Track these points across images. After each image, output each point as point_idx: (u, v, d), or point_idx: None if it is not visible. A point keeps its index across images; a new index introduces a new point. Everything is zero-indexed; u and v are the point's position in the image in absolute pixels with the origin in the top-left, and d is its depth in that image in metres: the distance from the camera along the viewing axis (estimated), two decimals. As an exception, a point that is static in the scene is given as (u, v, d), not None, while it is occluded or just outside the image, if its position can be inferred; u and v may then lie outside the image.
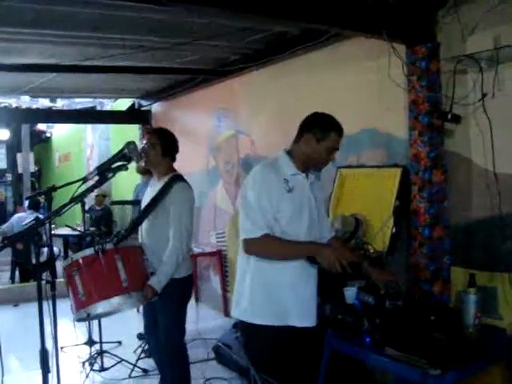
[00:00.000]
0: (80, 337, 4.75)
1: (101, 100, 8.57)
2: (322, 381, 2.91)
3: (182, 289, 3.27)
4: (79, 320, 3.04)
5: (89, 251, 2.95)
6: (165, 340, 3.22)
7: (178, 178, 3.30)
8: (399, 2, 3.19)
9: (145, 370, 4.31)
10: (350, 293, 2.92)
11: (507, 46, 2.82)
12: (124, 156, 2.30)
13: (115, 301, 2.94)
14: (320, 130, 2.56)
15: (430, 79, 3.23)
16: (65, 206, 2.25)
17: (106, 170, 2.18)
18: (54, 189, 2.53)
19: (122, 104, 7.99)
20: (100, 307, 2.93)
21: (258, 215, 2.47)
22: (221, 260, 5.68)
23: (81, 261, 2.94)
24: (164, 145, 3.30)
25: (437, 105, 3.24)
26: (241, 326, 2.65)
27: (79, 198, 2.28)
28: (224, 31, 4.07)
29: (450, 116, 3.01)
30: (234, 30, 4.05)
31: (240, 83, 5.20)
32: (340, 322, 2.85)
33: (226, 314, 5.59)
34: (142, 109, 7.40)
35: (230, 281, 5.68)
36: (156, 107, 7.19)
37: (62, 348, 4.52)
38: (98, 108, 8.87)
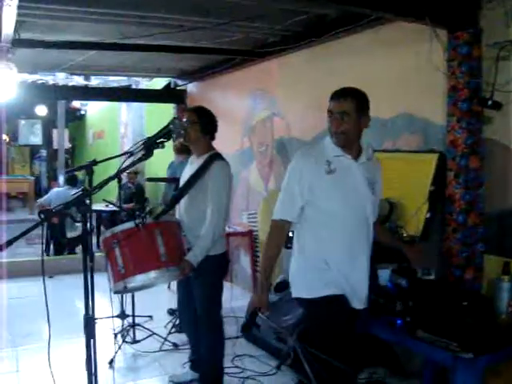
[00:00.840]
0: (113, 310, 4.90)
1: (136, 79, 8.67)
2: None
3: (218, 265, 3.35)
4: (116, 292, 3.14)
5: (129, 224, 3.02)
6: (202, 314, 3.31)
7: (217, 156, 3.36)
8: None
9: (175, 344, 4.43)
10: (384, 274, 2.97)
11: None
12: (169, 132, 2.35)
13: (153, 275, 3.03)
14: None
15: (471, 65, 3.21)
16: (110, 179, 2.31)
17: (151, 145, 2.24)
18: (96, 163, 2.57)
19: (157, 83, 8.08)
20: (138, 280, 3.02)
21: (285, 199, 2.60)
22: (252, 240, 5.75)
23: (121, 234, 3.02)
24: (204, 123, 3.36)
25: (477, 91, 3.22)
26: (301, 305, 2.77)
27: (124, 170, 2.35)
28: (263, 12, 4.09)
29: (490, 102, 2.99)
30: (274, 11, 4.07)
31: (278, 65, 5.21)
32: (373, 303, 2.91)
33: (256, 292, 5.66)
34: (178, 88, 7.47)
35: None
36: (191, 87, 7.25)
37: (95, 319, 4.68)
38: (134, 87, 8.98)
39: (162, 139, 2.40)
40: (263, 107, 5.55)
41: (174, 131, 2.52)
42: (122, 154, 2.43)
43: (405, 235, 3.37)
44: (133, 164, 2.34)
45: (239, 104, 6.03)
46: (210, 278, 3.31)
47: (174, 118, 2.53)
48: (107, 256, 3.07)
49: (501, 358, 2.60)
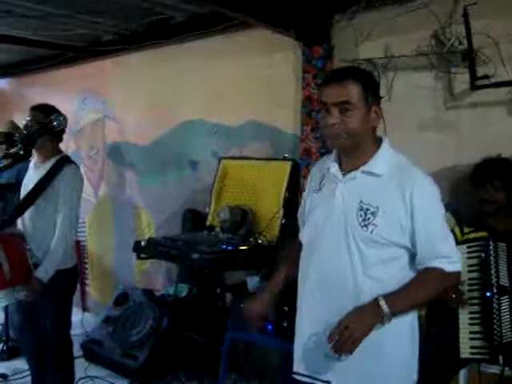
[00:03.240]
0: None
1: None
2: (223, 368, 2.93)
3: (70, 280, 3.02)
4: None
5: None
6: (54, 337, 2.94)
7: (67, 159, 3.04)
8: (301, 1, 3.32)
9: (3, 375, 3.88)
10: (253, 282, 2.97)
11: (399, 56, 3.10)
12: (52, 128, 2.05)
13: (-1, 295, 2.64)
14: None
15: (324, 78, 3.41)
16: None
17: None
18: None
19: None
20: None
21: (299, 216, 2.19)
22: (80, 251, 5.32)
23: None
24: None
25: (328, 103, 3.43)
26: None
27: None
28: (105, 9, 3.82)
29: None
30: (115, 8, 3.82)
31: (112, 64, 4.90)
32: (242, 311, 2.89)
33: (85, 308, 5.26)
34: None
35: (90, 274, 5.36)
36: (3, 83, 6.45)
37: None
38: None
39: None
40: (94, 108, 5.18)
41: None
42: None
43: (263, 241, 3.42)
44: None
45: (64, 104, 5.49)
46: (61, 295, 2.96)
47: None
48: None
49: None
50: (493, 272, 2.41)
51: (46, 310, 2.95)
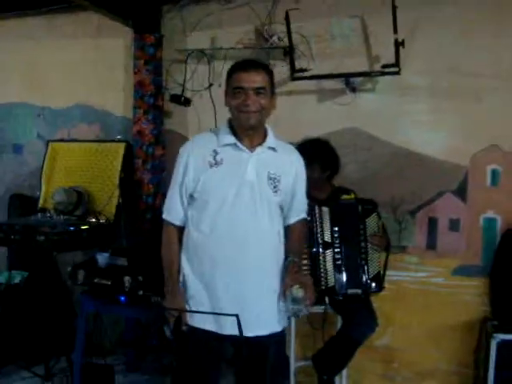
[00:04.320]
0: None
1: None
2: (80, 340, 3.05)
3: None
4: None
5: None
6: None
7: None
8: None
9: None
10: (102, 258, 3.11)
11: (227, 49, 3.50)
12: None
13: None
14: (226, 80, 2.20)
15: (156, 65, 3.64)
16: None
17: None
18: None
19: None
20: None
21: (170, 195, 2.25)
22: None
23: None
24: None
25: (160, 88, 3.68)
26: None
27: None
28: None
29: (183, 99, 3.48)
30: None
31: None
32: (96, 286, 3.03)
33: None
34: None
35: None
36: None
37: None
38: None
39: None
40: None
41: None
42: None
43: (103, 220, 3.54)
44: None
45: None
46: None
47: None
48: None
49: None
50: (318, 231, 2.95)
51: None
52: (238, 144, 2.16)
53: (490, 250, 3.29)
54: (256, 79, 2.08)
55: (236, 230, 2.13)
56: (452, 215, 3.37)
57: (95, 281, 3.02)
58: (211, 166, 2.14)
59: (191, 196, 2.19)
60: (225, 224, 2.13)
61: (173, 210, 2.24)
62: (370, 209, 3.04)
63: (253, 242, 2.14)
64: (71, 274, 3.07)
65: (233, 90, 2.11)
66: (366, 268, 2.97)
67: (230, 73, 2.15)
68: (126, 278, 2.95)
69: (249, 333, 1.98)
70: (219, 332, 2.12)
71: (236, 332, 1.70)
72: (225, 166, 2.14)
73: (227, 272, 2.14)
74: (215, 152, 2.15)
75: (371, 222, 3.02)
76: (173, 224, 2.25)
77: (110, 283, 2.99)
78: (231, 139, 2.16)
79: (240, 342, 2.04)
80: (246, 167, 2.14)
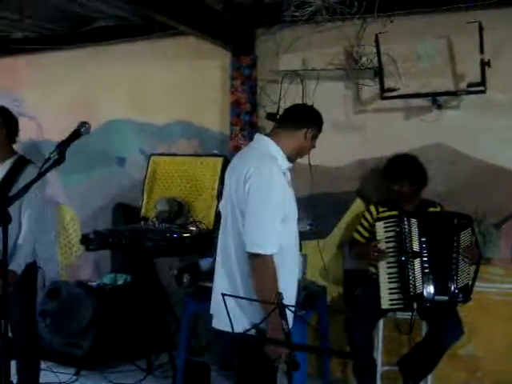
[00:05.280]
0: None
1: None
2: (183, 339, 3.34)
3: (34, 272, 3.21)
4: None
5: None
6: (21, 330, 3.11)
7: (25, 160, 3.21)
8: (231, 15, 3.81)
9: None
10: (205, 262, 3.41)
11: (320, 70, 3.75)
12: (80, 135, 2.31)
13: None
14: (317, 127, 2.45)
15: (251, 85, 3.94)
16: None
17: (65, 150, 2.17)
18: None
19: None
20: None
21: (269, 223, 2.17)
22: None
23: None
24: (8, 125, 3.17)
25: (255, 106, 3.97)
26: None
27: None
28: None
29: (278, 116, 3.75)
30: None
31: (27, 63, 4.92)
32: (200, 288, 3.32)
33: None
34: None
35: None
36: None
37: None
38: None
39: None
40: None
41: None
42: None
43: (203, 227, 3.84)
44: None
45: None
46: (30, 288, 3.15)
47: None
48: None
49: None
50: (407, 241, 3.13)
51: (15, 303, 3.10)
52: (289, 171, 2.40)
53: None
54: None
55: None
56: (537, 228, 3.46)
57: (199, 284, 3.31)
58: (289, 186, 2.33)
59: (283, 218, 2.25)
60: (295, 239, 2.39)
61: (273, 240, 2.18)
62: (465, 223, 3.19)
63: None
64: (177, 278, 3.37)
65: (315, 141, 2.43)
66: (455, 278, 3.10)
67: (321, 123, 2.47)
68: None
69: None
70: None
71: None
72: (290, 187, 2.34)
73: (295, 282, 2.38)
74: (284, 174, 2.30)
75: (465, 236, 3.17)
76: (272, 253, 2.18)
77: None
78: (290, 164, 2.37)
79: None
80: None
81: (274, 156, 2.29)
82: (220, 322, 2.29)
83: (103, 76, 4.59)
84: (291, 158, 2.37)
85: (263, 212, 2.17)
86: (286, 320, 2.00)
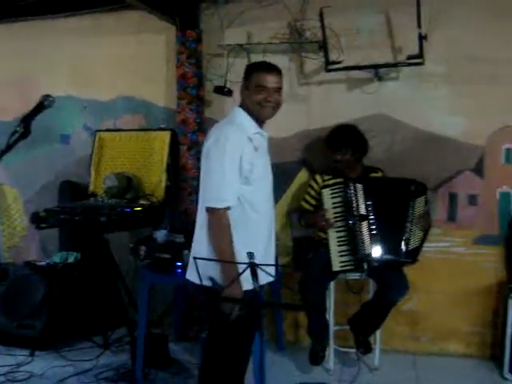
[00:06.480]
0: None
1: None
2: (143, 311, 3.38)
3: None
4: None
5: None
6: None
7: None
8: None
9: None
10: (161, 234, 3.45)
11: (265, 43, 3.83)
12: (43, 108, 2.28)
13: None
14: (245, 77, 2.48)
15: (197, 59, 3.96)
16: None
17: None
18: None
19: None
20: None
21: (225, 179, 2.31)
22: None
23: None
24: None
25: (201, 80, 4.01)
26: None
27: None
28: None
29: (226, 90, 3.80)
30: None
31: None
32: (157, 259, 3.37)
33: None
34: None
35: None
36: None
37: None
38: None
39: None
40: None
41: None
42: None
43: (154, 201, 3.87)
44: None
45: None
46: None
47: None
48: None
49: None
50: (354, 205, 3.30)
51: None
52: (263, 133, 2.48)
53: (505, 221, 3.67)
54: (276, 80, 2.42)
55: (271, 209, 2.58)
56: (470, 191, 3.73)
57: (156, 255, 3.35)
58: (256, 151, 2.40)
59: (246, 179, 2.36)
60: (269, 205, 2.56)
61: (229, 194, 2.33)
62: (420, 190, 3.40)
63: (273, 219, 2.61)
64: (133, 250, 3.40)
65: (256, 88, 2.39)
66: (406, 240, 3.30)
67: (252, 71, 2.45)
68: (185, 252, 3.27)
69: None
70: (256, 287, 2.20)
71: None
72: (260, 151, 2.43)
73: (270, 243, 2.56)
74: (250, 139, 2.38)
75: (420, 203, 3.36)
76: (227, 208, 2.33)
77: (170, 257, 3.33)
78: (258, 128, 2.45)
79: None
80: (268, 153, 2.54)
81: (240, 122, 2.41)
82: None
83: (43, 52, 4.46)
84: (259, 121, 2.45)
85: (215, 169, 2.33)
86: (257, 278, 2.12)
